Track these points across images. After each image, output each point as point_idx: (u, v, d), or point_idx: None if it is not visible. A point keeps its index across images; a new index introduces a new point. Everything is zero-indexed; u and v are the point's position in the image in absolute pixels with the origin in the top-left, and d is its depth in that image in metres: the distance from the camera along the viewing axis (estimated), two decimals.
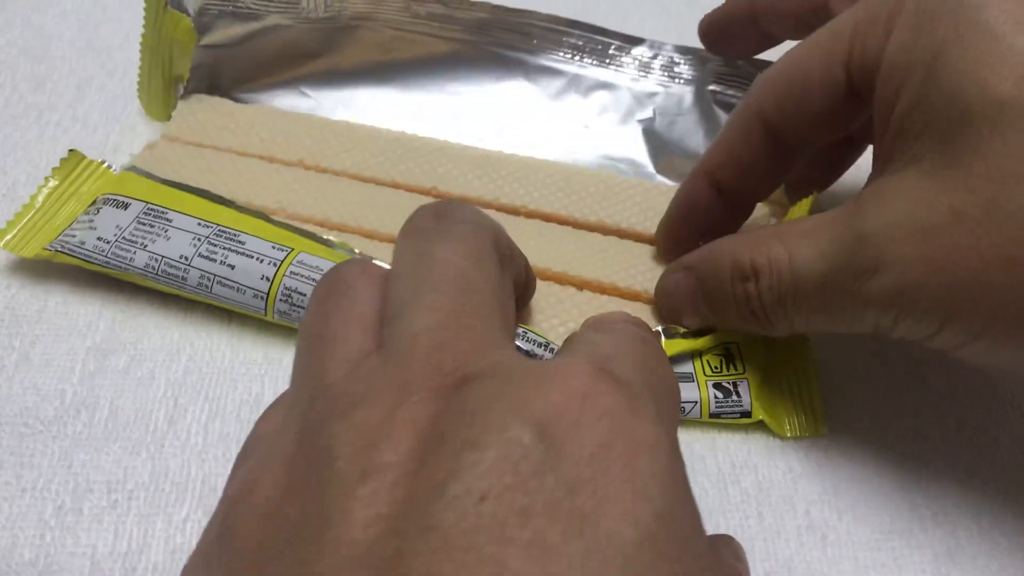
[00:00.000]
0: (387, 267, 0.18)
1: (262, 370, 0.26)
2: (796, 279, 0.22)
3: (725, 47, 0.32)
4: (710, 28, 0.31)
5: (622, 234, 0.29)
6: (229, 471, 0.23)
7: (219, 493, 0.23)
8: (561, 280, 0.27)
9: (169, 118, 0.31)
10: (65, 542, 0.22)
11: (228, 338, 0.27)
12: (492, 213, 0.29)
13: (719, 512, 0.24)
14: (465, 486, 0.12)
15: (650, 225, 0.29)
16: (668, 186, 0.30)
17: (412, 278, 0.16)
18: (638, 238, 0.29)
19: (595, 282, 0.27)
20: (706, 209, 0.26)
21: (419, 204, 0.28)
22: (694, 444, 0.26)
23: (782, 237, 0.22)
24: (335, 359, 0.15)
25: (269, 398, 0.25)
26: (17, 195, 0.30)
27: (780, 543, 0.24)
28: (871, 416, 0.27)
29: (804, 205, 0.30)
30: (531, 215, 0.29)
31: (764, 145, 0.24)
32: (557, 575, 0.11)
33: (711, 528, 0.24)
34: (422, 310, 0.15)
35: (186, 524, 0.22)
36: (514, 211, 0.29)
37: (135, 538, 0.22)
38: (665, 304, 0.27)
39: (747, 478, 0.25)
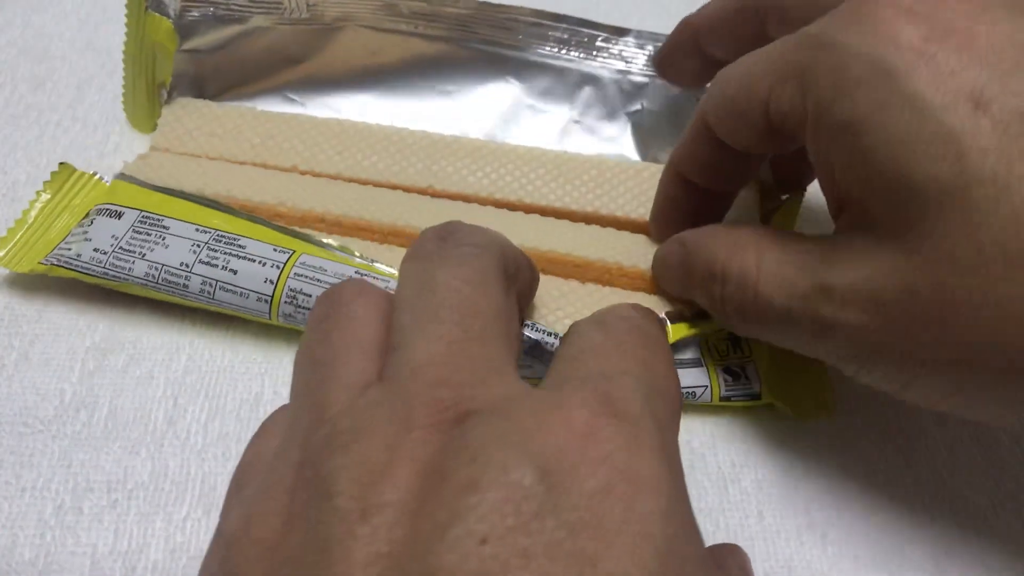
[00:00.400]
0: (383, 285, 0.18)
1: (262, 369, 0.26)
2: (758, 299, 0.22)
3: (677, 76, 0.32)
4: (661, 59, 0.31)
5: (619, 224, 0.29)
6: (229, 471, 0.24)
7: (219, 492, 0.23)
8: (565, 263, 0.27)
9: (154, 128, 0.31)
10: (65, 541, 0.22)
11: (228, 337, 0.27)
12: (491, 218, 0.28)
13: (719, 511, 0.24)
14: (467, 528, 0.12)
15: (644, 212, 0.29)
16: (658, 167, 0.30)
17: (414, 305, 0.16)
18: (634, 227, 0.29)
19: (599, 263, 0.27)
20: (684, 201, 0.27)
21: (417, 201, 0.29)
22: (693, 442, 0.26)
23: (758, 248, 0.22)
24: (335, 385, 0.15)
25: (269, 397, 0.25)
26: (17, 195, 0.30)
27: (780, 542, 0.24)
28: (871, 414, 0.27)
29: (794, 207, 0.30)
30: (528, 209, 0.29)
31: (716, 149, 0.24)
32: None
33: (711, 527, 0.24)
34: (423, 340, 0.15)
35: (186, 523, 0.22)
36: (511, 206, 0.29)
37: (135, 537, 0.22)
38: (658, 273, 0.27)
39: (747, 476, 0.25)
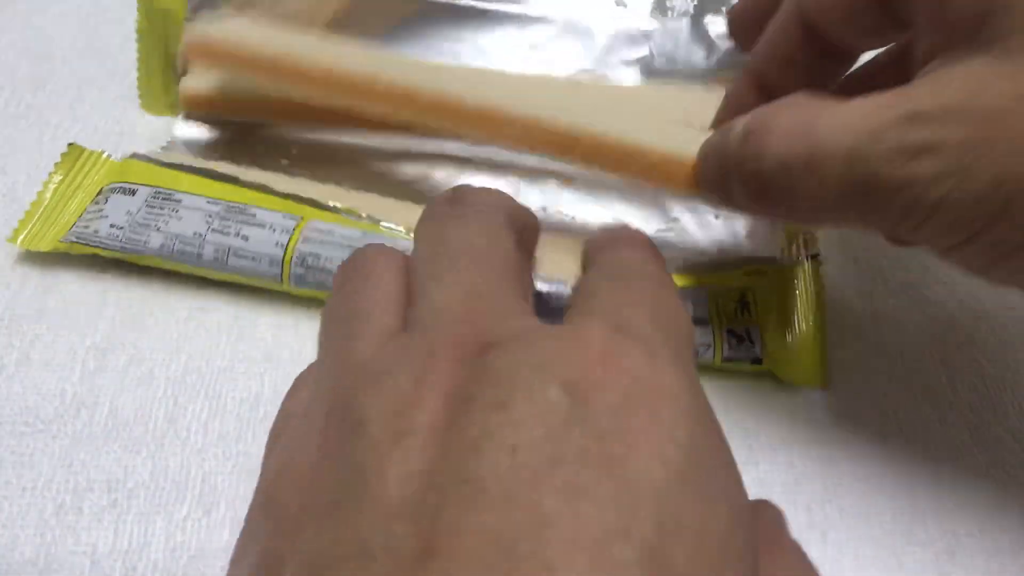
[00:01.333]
0: (400, 248, 0.19)
1: (262, 368, 0.26)
2: (813, 147, 0.20)
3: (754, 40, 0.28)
4: (739, 21, 0.29)
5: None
6: (229, 470, 0.24)
7: (219, 491, 0.23)
8: (600, 150, 0.25)
9: (168, 111, 0.31)
10: (65, 541, 0.22)
11: (228, 337, 0.27)
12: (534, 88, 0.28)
13: None
14: (497, 440, 0.12)
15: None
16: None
17: (431, 260, 0.17)
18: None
19: (652, 152, 0.25)
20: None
21: (463, 71, 0.29)
22: None
23: (812, 108, 0.21)
24: (362, 337, 0.16)
25: (269, 396, 0.25)
26: (17, 195, 0.30)
27: None
28: (873, 414, 0.27)
29: None
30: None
31: (806, 43, 0.23)
32: (589, 515, 0.12)
33: None
34: (443, 288, 0.16)
35: (186, 522, 0.22)
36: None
37: (135, 536, 0.22)
38: (699, 167, 0.24)
39: (748, 474, 0.25)
